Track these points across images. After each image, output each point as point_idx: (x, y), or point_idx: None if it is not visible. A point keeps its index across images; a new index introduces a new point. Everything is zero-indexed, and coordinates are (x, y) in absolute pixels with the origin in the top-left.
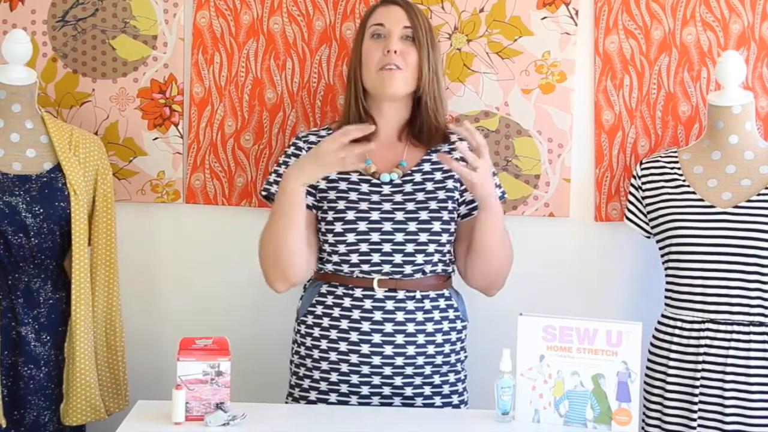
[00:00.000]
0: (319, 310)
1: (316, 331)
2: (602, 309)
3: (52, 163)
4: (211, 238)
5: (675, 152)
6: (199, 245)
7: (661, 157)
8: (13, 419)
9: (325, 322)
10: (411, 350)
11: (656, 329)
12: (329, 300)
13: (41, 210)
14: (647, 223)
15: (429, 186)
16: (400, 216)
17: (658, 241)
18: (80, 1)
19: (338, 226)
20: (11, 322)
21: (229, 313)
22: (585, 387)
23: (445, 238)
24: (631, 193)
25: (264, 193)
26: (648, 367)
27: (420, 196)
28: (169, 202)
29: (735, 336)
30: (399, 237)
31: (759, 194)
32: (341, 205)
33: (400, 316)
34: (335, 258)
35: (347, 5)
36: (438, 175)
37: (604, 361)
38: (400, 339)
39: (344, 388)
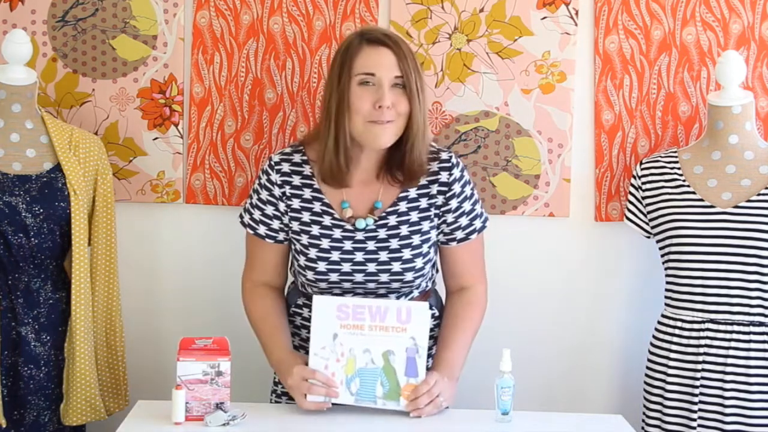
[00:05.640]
0: (297, 320)
1: (296, 340)
2: (602, 309)
3: (52, 163)
4: (211, 238)
5: (675, 152)
6: (199, 245)
7: (661, 157)
8: (13, 419)
9: (303, 333)
10: None
11: (656, 329)
12: (305, 312)
13: (41, 210)
14: (647, 223)
15: (404, 230)
16: (372, 267)
17: (658, 241)
18: (80, 1)
19: (310, 274)
20: (11, 322)
21: (229, 313)
22: (376, 364)
23: (418, 282)
24: (631, 193)
25: (241, 220)
26: (648, 367)
27: (394, 243)
28: (169, 202)
29: (735, 336)
30: (371, 285)
31: (759, 194)
32: (312, 253)
33: None
34: (309, 290)
35: (347, 5)
36: (414, 216)
37: (394, 338)
38: None
39: None
